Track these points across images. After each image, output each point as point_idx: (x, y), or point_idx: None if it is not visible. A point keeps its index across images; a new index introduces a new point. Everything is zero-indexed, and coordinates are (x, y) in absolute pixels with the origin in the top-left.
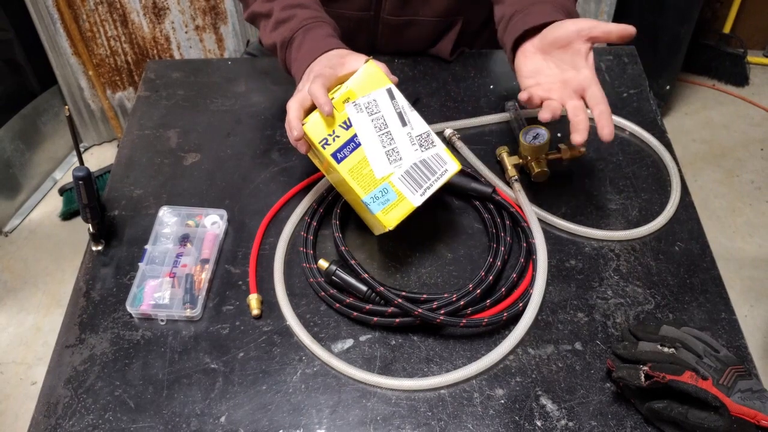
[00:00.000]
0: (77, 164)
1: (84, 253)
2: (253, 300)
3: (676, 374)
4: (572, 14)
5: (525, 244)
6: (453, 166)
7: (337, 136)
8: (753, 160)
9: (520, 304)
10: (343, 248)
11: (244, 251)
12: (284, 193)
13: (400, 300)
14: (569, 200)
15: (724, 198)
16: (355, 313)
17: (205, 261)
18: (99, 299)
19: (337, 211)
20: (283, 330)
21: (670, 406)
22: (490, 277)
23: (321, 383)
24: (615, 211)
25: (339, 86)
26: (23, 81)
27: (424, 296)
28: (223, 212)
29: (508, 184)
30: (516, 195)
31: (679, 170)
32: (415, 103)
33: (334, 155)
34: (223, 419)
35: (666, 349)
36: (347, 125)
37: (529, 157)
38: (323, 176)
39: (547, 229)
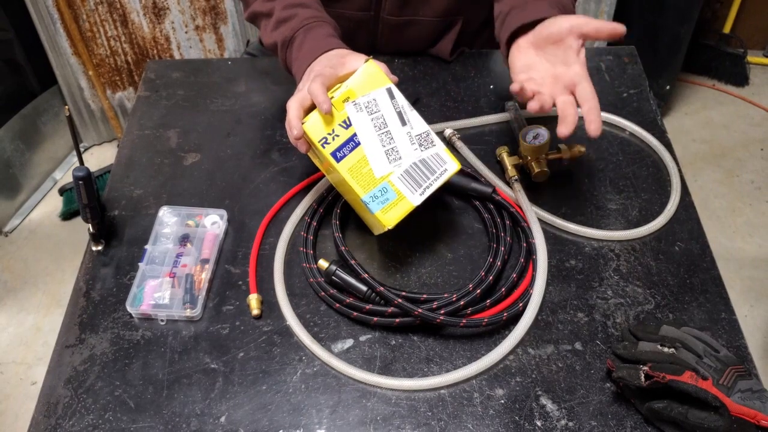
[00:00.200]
0: (77, 164)
1: (84, 253)
2: (253, 300)
3: (676, 374)
4: (568, 10)
5: (525, 244)
6: (452, 166)
7: (337, 135)
8: (753, 160)
9: (520, 304)
10: (343, 248)
11: (244, 251)
12: (284, 193)
13: (400, 300)
14: (569, 200)
15: (724, 198)
16: (355, 313)
17: (205, 261)
18: (99, 299)
19: (337, 211)
20: (283, 330)
21: (670, 406)
22: (490, 277)
23: (321, 383)
24: (615, 211)
25: (339, 85)
26: (23, 81)
27: (424, 296)
28: (223, 212)
29: (508, 184)
30: (516, 195)
31: (679, 170)
32: (415, 103)
33: (333, 154)
34: (223, 419)
35: (666, 349)
36: (347, 124)
37: (529, 157)
38: (323, 176)
39: (547, 229)
